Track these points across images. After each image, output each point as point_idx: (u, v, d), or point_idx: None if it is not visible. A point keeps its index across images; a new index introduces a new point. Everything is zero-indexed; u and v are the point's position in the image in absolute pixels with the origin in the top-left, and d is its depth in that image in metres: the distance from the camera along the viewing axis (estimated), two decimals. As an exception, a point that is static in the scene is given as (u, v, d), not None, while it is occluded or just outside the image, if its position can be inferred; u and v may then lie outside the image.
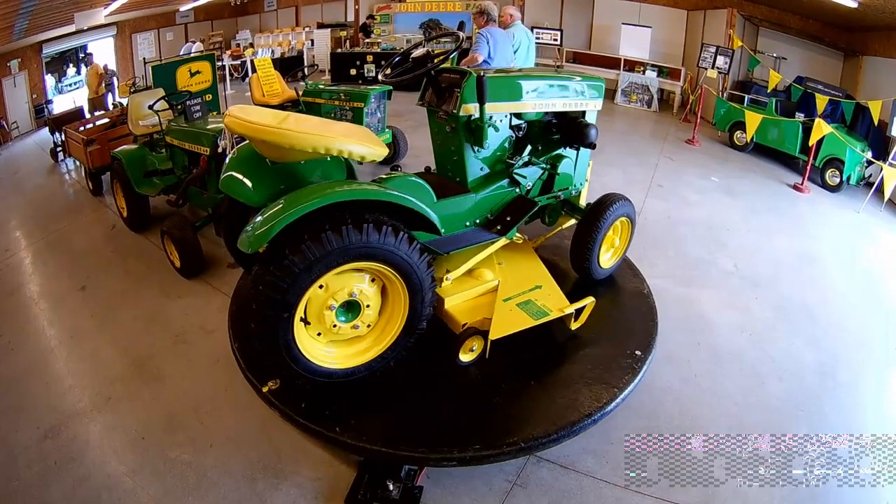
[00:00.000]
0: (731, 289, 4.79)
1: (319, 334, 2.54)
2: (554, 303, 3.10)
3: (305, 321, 2.47)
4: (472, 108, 2.95)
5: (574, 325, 3.16)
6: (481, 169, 3.21)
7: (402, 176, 2.85)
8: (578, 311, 3.14)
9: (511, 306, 3.04)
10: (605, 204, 3.49)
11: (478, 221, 3.22)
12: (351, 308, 2.55)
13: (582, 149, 3.51)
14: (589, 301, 3.13)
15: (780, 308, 4.51)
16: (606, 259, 3.76)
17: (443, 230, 2.75)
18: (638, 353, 3.06)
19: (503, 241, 3.23)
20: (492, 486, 2.75)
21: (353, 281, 2.47)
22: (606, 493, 2.76)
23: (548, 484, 2.79)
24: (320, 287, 2.39)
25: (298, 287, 2.25)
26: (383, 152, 2.49)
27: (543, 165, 3.43)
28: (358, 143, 2.38)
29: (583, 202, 3.86)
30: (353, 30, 14.21)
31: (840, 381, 3.71)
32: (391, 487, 2.50)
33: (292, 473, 2.85)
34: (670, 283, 4.60)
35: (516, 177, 3.27)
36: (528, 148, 3.35)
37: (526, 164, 3.34)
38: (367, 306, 2.55)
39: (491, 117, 3.06)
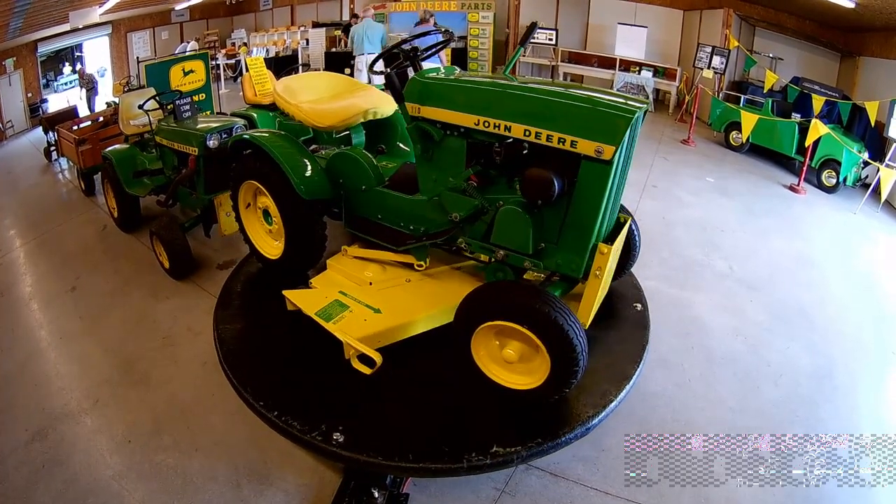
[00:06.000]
0: (726, 291, 4.76)
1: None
2: (353, 327, 2.70)
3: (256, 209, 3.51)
4: (409, 108, 2.75)
5: (353, 363, 2.64)
6: (435, 180, 2.81)
7: (349, 151, 3.15)
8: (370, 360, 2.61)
9: (332, 295, 2.95)
10: (471, 298, 2.44)
11: (412, 228, 2.96)
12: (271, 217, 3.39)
13: (576, 211, 2.41)
14: (376, 358, 2.57)
15: (775, 311, 4.48)
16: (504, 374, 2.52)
17: (382, 212, 3.10)
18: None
19: (401, 256, 3.04)
20: (479, 493, 2.73)
21: (268, 200, 3.27)
22: (597, 502, 2.74)
23: (537, 492, 2.76)
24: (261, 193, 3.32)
25: (235, 184, 3.45)
26: (317, 125, 3.30)
27: (479, 202, 2.62)
28: (306, 115, 3.29)
29: (591, 311, 2.54)
30: (343, 29, 14.17)
31: (836, 386, 3.68)
32: (376, 495, 2.48)
33: (278, 479, 2.84)
34: (664, 285, 4.58)
35: (442, 197, 2.75)
36: (468, 171, 2.63)
37: (457, 190, 2.69)
38: (275, 220, 3.33)
39: (439, 124, 2.68)
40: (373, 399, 2.58)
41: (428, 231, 2.87)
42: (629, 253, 3.16)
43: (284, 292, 3.00)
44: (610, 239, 2.49)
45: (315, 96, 3.56)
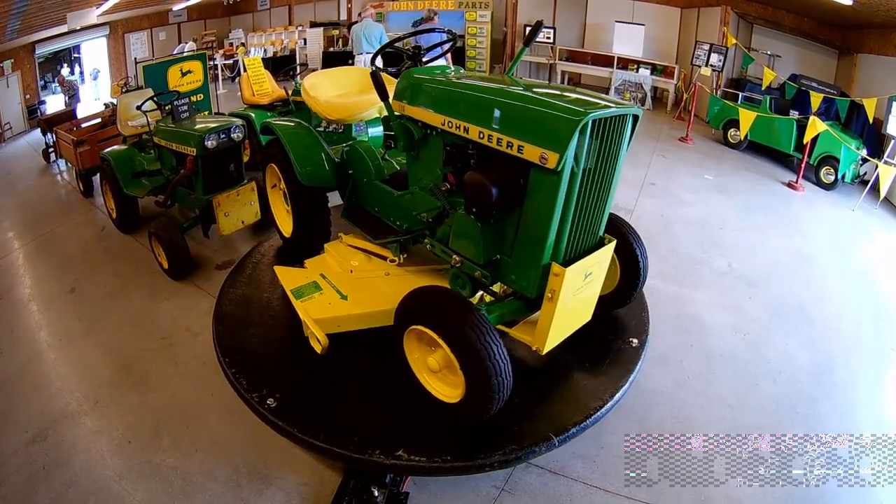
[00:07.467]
0: (725, 288, 4.76)
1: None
2: (316, 308, 2.80)
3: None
4: (395, 105, 2.76)
5: (311, 341, 2.74)
6: (420, 178, 2.77)
7: (356, 145, 3.36)
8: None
9: (313, 276, 3.11)
10: (405, 299, 2.37)
11: (398, 223, 3.02)
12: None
13: (527, 224, 2.23)
14: (321, 339, 2.64)
15: (774, 308, 4.48)
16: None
17: (378, 205, 3.23)
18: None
19: (376, 247, 3.12)
20: (479, 492, 2.72)
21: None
22: (597, 500, 2.73)
23: (536, 490, 2.76)
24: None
25: (263, 166, 3.84)
26: (329, 118, 3.51)
27: (441, 204, 2.59)
28: (321, 107, 3.47)
29: (548, 344, 2.30)
30: (346, 28, 14.14)
31: (836, 382, 3.68)
32: (376, 493, 2.48)
33: (277, 478, 2.84)
34: (663, 283, 4.57)
35: (414, 196, 2.79)
36: (438, 172, 2.60)
37: (427, 189, 2.68)
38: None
39: (420, 122, 2.65)
40: (319, 379, 2.66)
41: (409, 228, 2.94)
42: (635, 280, 2.93)
43: (275, 268, 3.27)
44: (576, 259, 2.27)
45: (339, 91, 3.68)
